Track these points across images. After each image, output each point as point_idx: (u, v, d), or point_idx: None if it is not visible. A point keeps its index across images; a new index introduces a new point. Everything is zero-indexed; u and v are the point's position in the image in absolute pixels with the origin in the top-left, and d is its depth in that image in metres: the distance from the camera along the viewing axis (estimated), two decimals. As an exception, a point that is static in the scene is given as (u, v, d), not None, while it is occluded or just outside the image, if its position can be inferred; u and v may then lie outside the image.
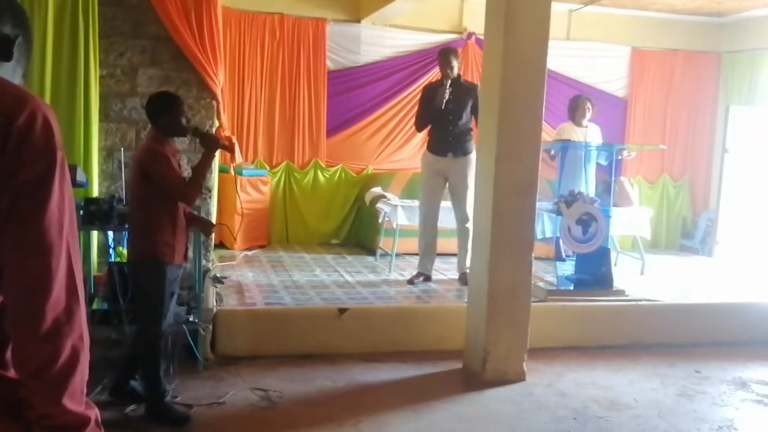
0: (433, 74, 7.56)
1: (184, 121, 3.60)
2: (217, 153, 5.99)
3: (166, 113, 3.54)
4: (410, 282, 5.71)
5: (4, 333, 1.21)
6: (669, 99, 8.48)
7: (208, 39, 5.25)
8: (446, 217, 5.91)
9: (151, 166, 3.48)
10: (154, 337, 3.55)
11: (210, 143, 3.68)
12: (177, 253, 3.59)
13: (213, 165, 5.39)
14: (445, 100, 5.50)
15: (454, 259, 5.94)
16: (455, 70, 5.61)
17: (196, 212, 3.91)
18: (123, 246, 4.49)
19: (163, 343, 3.67)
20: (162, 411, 3.52)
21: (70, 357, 1.18)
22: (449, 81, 5.54)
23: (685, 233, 8.67)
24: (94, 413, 1.23)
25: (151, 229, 3.52)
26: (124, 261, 4.13)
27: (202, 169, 3.59)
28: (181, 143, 5.41)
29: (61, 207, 1.20)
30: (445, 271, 6.03)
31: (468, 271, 5.51)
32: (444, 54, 5.68)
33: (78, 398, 1.20)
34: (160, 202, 3.52)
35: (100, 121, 5.04)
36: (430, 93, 5.69)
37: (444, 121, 5.57)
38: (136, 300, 3.73)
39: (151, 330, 3.56)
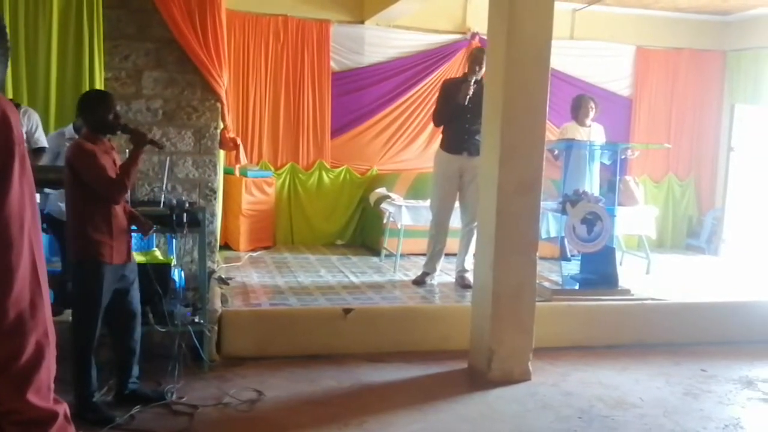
0: (438, 74, 7.59)
1: (111, 117, 3.55)
2: (222, 154, 6.05)
3: (92, 110, 3.52)
4: (417, 283, 5.69)
5: None
6: (674, 98, 8.46)
7: (212, 41, 5.27)
8: (453, 217, 5.89)
9: (76, 162, 3.44)
10: (85, 340, 3.50)
11: (138, 140, 3.62)
12: (116, 252, 3.53)
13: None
14: (468, 96, 5.49)
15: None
16: (482, 71, 5.59)
17: (135, 210, 3.81)
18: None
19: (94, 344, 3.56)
20: (89, 410, 3.48)
21: (34, 352, 1.17)
22: (474, 78, 5.51)
23: (690, 232, 8.64)
24: (63, 408, 1.22)
25: (85, 227, 3.45)
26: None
27: (128, 166, 3.53)
28: (187, 146, 5.45)
29: (22, 202, 1.17)
30: (450, 271, 6.03)
31: (467, 273, 5.51)
32: (479, 51, 5.72)
33: (44, 394, 1.19)
34: (92, 200, 3.46)
35: (106, 123, 5.06)
36: (452, 88, 5.64)
37: (463, 118, 5.54)
38: (73, 299, 3.65)
39: (83, 333, 3.50)
